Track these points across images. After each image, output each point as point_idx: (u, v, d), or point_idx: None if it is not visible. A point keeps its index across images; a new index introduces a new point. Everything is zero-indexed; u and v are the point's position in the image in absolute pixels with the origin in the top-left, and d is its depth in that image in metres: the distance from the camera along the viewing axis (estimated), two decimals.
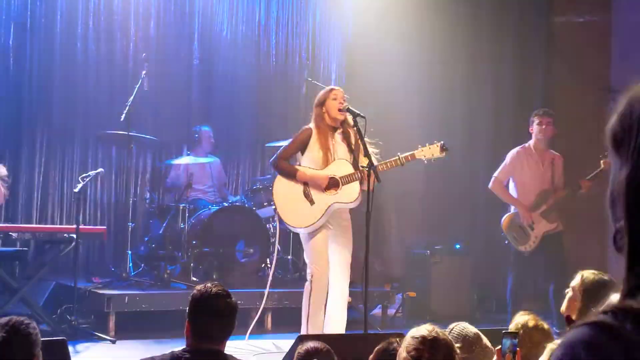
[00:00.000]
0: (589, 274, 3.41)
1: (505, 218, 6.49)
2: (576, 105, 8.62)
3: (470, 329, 3.14)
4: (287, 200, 5.10)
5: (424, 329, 2.59)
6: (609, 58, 8.75)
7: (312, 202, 5.04)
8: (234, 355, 2.88)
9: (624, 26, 8.66)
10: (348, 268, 5.09)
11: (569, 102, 8.68)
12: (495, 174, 6.51)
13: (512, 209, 6.51)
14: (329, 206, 5.02)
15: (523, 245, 6.37)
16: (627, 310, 0.95)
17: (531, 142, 6.46)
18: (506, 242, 6.46)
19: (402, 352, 2.57)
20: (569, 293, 3.46)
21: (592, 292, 3.27)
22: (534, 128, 6.41)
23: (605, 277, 3.36)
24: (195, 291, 2.86)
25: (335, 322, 5.01)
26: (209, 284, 2.87)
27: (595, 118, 8.81)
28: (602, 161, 6.16)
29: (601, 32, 8.77)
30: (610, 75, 8.70)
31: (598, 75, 8.66)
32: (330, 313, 5.05)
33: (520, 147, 6.53)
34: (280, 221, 5.29)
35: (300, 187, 5.08)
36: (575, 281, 3.42)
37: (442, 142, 4.98)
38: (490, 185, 6.57)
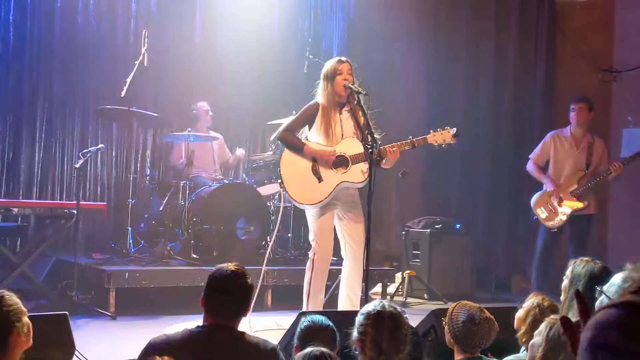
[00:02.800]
0: (579, 261, 3.41)
1: (536, 195, 6.64)
2: (579, 86, 8.59)
3: (472, 304, 3.22)
4: (295, 176, 5.05)
5: (369, 306, 2.69)
6: (612, 39, 8.70)
7: (320, 179, 5.00)
8: (246, 332, 2.90)
9: (626, 7, 8.60)
10: (362, 243, 5.03)
11: (571, 82, 8.65)
12: (530, 155, 6.74)
13: (544, 187, 6.67)
14: (337, 184, 4.99)
15: (550, 222, 6.54)
16: None
17: (569, 127, 6.64)
18: (534, 217, 6.57)
19: (354, 332, 2.64)
20: (564, 281, 3.47)
21: (577, 281, 3.29)
22: (570, 114, 6.55)
23: (595, 267, 3.33)
24: (214, 269, 2.91)
25: (350, 298, 5.01)
26: (228, 264, 2.92)
27: (598, 99, 8.80)
28: None
29: (604, 12, 8.72)
30: (613, 56, 8.66)
31: (601, 56, 8.62)
32: (346, 290, 5.04)
33: (556, 130, 6.74)
34: (285, 197, 5.24)
35: (308, 163, 5.04)
36: (568, 270, 3.44)
37: (454, 128, 4.96)
38: (527, 166, 6.76)
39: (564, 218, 6.45)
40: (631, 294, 0.98)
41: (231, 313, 2.83)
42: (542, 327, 2.82)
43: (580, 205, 6.43)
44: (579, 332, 1.14)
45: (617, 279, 2.43)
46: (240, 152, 7.76)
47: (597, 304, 2.31)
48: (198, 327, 2.83)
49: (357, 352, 2.68)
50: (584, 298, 1.32)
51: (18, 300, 2.58)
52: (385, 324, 2.61)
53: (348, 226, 5.07)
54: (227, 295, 2.82)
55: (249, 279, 2.88)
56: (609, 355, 0.93)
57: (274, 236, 5.73)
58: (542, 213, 6.54)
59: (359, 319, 2.68)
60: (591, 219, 6.54)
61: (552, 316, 2.92)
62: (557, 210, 6.47)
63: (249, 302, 2.88)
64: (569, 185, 6.48)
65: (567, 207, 6.45)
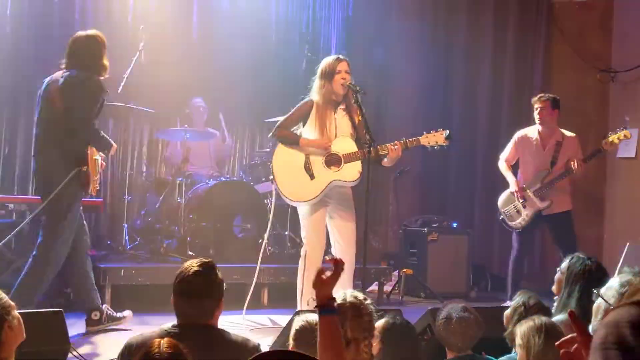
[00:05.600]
0: (576, 258, 3.46)
1: (502, 195, 6.64)
2: (576, 87, 8.59)
3: (457, 302, 3.31)
4: (287, 173, 5.07)
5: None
6: (610, 39, 8.70)
7: (312, 176, 5.01)
8: (227, 330, 2.84)
9: (625, 7, 8.60)
10: (353, 242, 5.04)
11: (569, 83, 8.65)
12: (501, 156, 6.70)
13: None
14: (329, 183, 5.00)
15: (514, 222, 6.55)
16: None
17: (537, 128, 6.56)
18: (500, 217, 6.57)
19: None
20: (557, 274, 3.51)
21: (575, 279, 3.33)
22: (534, 113, 6.49)
23: (592, 264, 3.39)
24: (179, 269, 2.79)
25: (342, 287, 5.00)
26: (193, 262, 2.78)
27: (596, 99, 8.80)
28: (603, 141, 6.21)
29: (602, 13, 8.72)
30: (611, 57, 8.66)
31: (599, 57, 8.62)
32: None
33: (523, 130, 6.63)
34: (277, 194, 5.25)
35: (301, 161, 5.06)
36: (563, 265, 3.49)
37: (447, 131, 5.06)
38: (498, 164, 6.72)
39: (527, 218, 6.44)
40: None
41: (200, 314, 2.73)
42: (517, 332, 2.85)
43: (543, 204, 6.40)
44: (575, 348, 1.12)
45: (614, 282, 2.43)
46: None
47: (595, 307, 2.30)
48: (174, 326, 2.75)
49: None
50: (578, 317, 1.31)
51: (4, 295, 2.56)
52: (346, 313, 2.65)
53: (338, 225, 5.08)
54: (192, 298, 2.72)
55: (216, 276, 2.75)
56: (620, 353, 0.92)
57: (267, 233, 5.72)
58: (506, 213, 6.55)
59: None
60: (568, 215, 6.47)
61: (523, 321, 2.94)
62: (520, 210, 6.46)
63: (219, 300, 2.75)
64: (533, 185, 6.46)
65: (529, 207, 6.44)
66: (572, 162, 6.26)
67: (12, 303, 2.56)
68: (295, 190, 5.04)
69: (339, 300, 2.67)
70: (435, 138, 5.02)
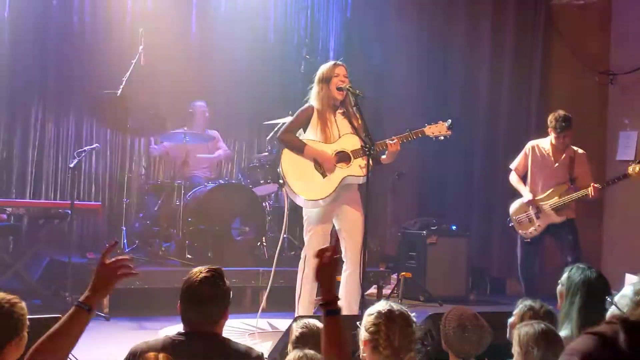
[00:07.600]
0: (576, 268, 3.44)
1: (515, 202, 6.54)
2: (575, 88, 8.59)
3: (467, 310, 3.23)
4: (298, 174, 5.04)
5: (377, 306, 2.71)
6: (609, 41, 8.70)
7: (324, 174, 5.01)
8: (230, 338, 2.84)
9: (623, 9, 8.60)
10: (359, 239, 4.96)
11: (567, 85, 8.64)
12: (511, 166, 6.61)
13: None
14: (342, 179, 5.00)
15: (524, 231, 6.45)
16: (625, 321, 1.00)
17: (550, 140, 6.43)
18: (510, 224, 6.49)
19: (362, 333, 2.66)
20: (558, 287, 3.50)
21: (575, 289, 3.32)
22: (553, 136, 6.35)
23: (592, 274, 3.36)
24: (187, 275, 2.78)
25: (349, 303, 4.97)
26: (202, 269, 2.77)
27: (594, 101, 8.79)
28: (630, 167, 6.15)
29: (601, 14, 8.71)
30: (609, 59, 8.66)
31: (597, 58, 8.62)
32: (345, 295, 5.00)
33: (535, 141, 6.54)
34: (276, 196, 5.23)
35: (311, 161, 5.06)
36: (563, 277, 3.48)
37: (449, 120, 5.11)
38: (509, 176, 6.63)
39: (539, 229, 6.38)
40: (605, 324, 1.02)
41: (206, 321, 2.73)
42: (515, 336, 2.84)
43: (559, 219, 6.35)
44: None
45: (628, 290, 2.42)
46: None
47: (609, 314, 2.30)
48: (179, 333, 2.74)
49: (364, 354, 2.66)
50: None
51: (26, 311, 2.55)
52: (397, 321, 2.63)
53: (345, 221, 5.05)
54: (199, 305, 2.71)
55: (224, 284, 2.75)
56: None
57: (281, 238, 5.71)
58: (518, 221, 6.47)
59: (367, 319, 2.67)
60: (572, 222, 6.46)
61: (523, 322, 2.93)
62: (533, 220, 6.40)
63: (225, 308, 2.75)
64: (550, 198, 6.37)
65: (543, 219, 6.36)
66: (593, 187, 6.22)
67: (27, 322, 2.54)
68: (310, 189, 5.00)
69: (387, 307, 2.67)
70: (438, 128, 5.09)
